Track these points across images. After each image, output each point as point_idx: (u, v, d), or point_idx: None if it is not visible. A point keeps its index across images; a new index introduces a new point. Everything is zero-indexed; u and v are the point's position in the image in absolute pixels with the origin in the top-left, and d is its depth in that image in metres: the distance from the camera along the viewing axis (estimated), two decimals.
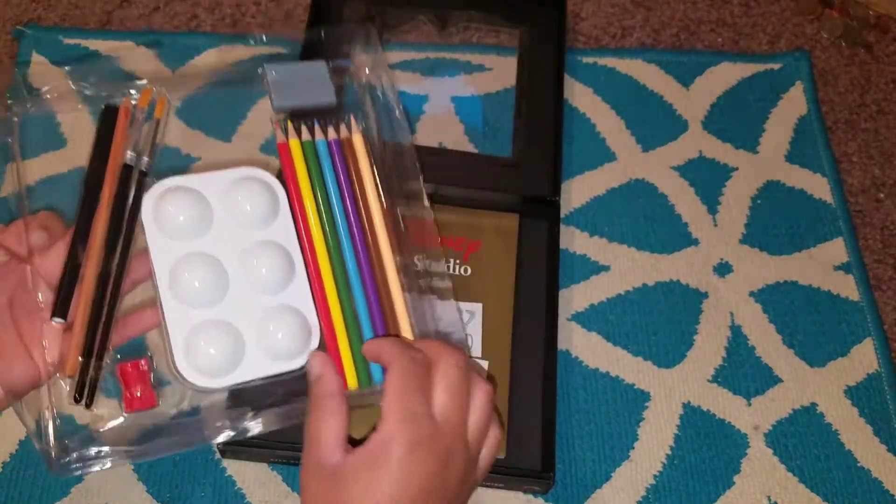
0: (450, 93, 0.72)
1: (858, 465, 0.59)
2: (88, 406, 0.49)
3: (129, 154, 0.53)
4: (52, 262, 0.50)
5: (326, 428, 0.44)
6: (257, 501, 0.55)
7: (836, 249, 0.68)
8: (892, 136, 0.74)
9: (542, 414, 0.58)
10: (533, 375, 0.59)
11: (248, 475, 0.56)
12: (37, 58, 0.71)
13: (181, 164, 0.66)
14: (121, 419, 0.50)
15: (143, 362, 0.50)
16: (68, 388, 0.48)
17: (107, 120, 0.54)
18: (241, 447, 0.54)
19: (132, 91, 0.55)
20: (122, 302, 0.51)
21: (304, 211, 0.51)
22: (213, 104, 0.69)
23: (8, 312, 0.48)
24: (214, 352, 0.48)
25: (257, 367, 0.48)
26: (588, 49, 0.76)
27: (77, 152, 0.66)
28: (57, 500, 0.55)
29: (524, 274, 0.62)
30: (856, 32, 0.79)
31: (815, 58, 0.78)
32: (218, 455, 0.56)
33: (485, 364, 0.59)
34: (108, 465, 0.48)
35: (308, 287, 0.50)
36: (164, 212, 0.49)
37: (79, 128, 0.67)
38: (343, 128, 0.53)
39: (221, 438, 0.49)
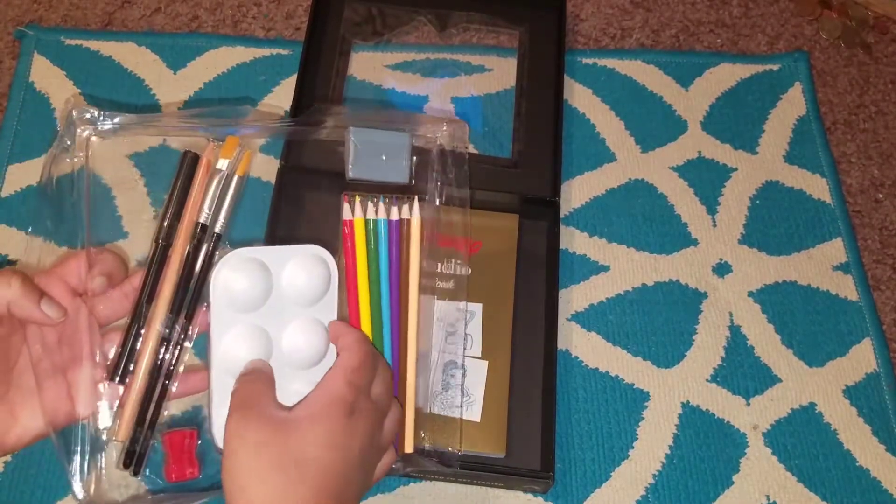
0: (450, 93, 0.72)
1: (857, 464, 0.60)
2: (136, 474, 0.49)
3: (206, 213, 0.50)
4: (109, 309, 0.50)
5: (266, 391, 0.46)
6: None
7: (835, 250, 0.68)
8: (890, 136, 0.74)
9: (541, 414, 0.58)
10: (533, 375, 0.59)
11: None
12: (38, 58, 0.71)
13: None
14: (159, 484, 0.51)
15: (189, 434, 0.51)
16: (117, 452, 0.49)
17: (186, 170, 0.50)
18: None
19: (215, 139, 0.52)
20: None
21: (357, 286, 0.52)
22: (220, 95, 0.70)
23: (57, 350, 0.48)
24: None
25: None
26: (587, 50, 0.76)
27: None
28: (59, 500, 0.55)
29: (524, 274, 0.63)
30: (854, 33, 0.79)
31: (813, 58, 0.78)
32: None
33: (485, 364, 0.59)
34: None
35: None
36: (231, 285, 0.48)
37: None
38: (405, 209, 0.54)
39: None
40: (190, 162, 0.50)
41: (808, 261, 0.67)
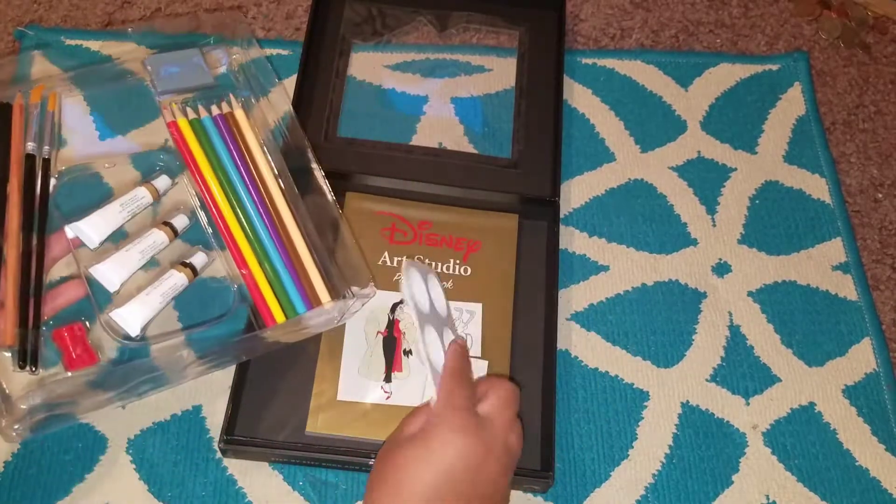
0: (450, 93, 0.72)
1: (857, 464, 0.60)
2: (34, 371, 0.52)
3: (31, 144, 0.58)
4: None
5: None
6: (258, 500, 0.56)
7: (835, 249, 0.68)
8: (889, 136, 0.75)
9: (541, 413, 0.58)
10: (532, 375, 0.59)
11: (249, 474, 0.56)
12: (38, 59, 0.71)
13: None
14: (66, 378, 0.53)
15: (77, 326, 0.54)
16: (11, 357, 0.52)
17: (2, 117, 0.59)
18: (241, 447, 0.55)
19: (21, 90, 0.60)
20: (48, 277, 0.56)
21: (204, 176, 0.58)
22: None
23: None
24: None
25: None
26: (587, 50, 0.76)
27: None
28: (58, 500, 0.55)
29: (524, 274, 0.63)
30: (854, 33, 0.80)
31: (813, 59, 0.78)
32: (219, 454, 0.56)
33: (485, 364, 0.59)
34: (61, 424, 0.52)
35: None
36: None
37: None
38: (224, 104, 0.61)
39: (163, 367, 0.53)
40: (5, 109, 0.59)
41: (808, 261, 0.67)
